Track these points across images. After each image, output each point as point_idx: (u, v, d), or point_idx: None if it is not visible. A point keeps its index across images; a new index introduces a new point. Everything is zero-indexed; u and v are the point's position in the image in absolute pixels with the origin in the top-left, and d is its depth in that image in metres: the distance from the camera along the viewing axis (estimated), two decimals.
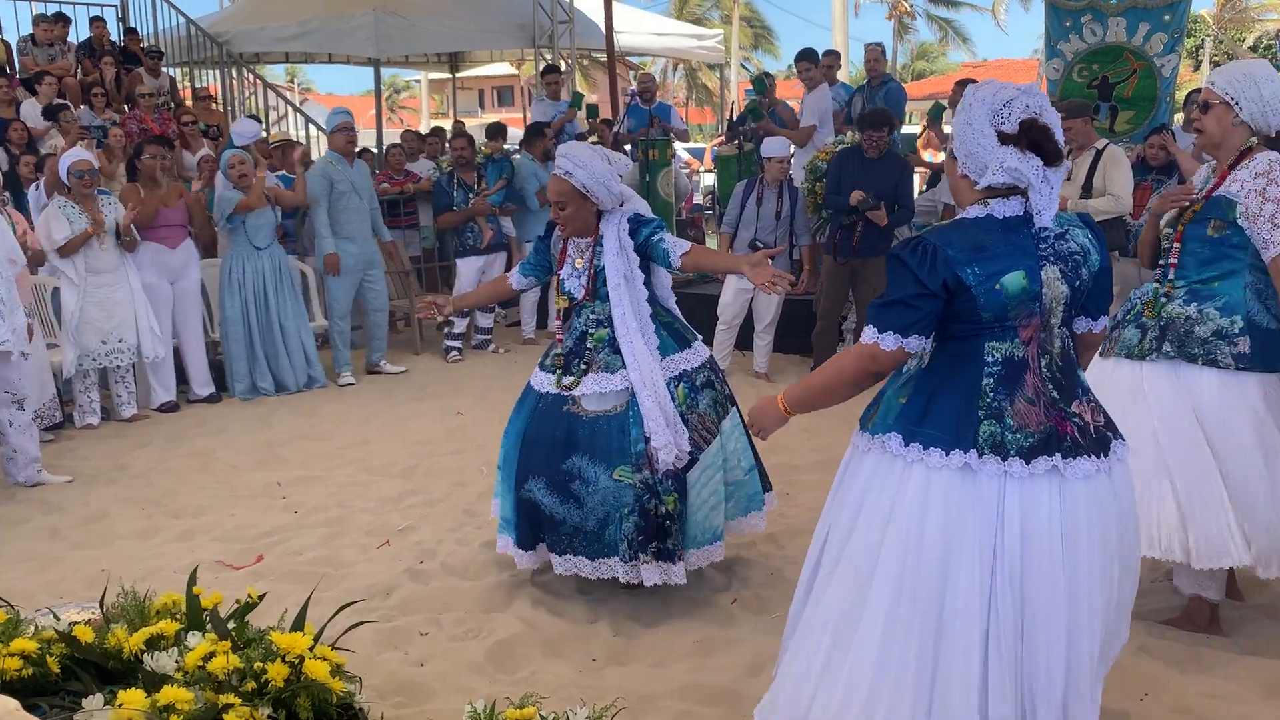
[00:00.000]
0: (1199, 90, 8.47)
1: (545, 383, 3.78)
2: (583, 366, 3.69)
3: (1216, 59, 33.35)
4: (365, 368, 7.73)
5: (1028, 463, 2.21)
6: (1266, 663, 3.22)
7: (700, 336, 3.92)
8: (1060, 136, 2.22)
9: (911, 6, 35.77)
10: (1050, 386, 2.29)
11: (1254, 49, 33.44)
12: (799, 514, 4.64)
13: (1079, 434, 2.28)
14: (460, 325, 8.21)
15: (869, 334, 2.29)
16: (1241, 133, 3.21)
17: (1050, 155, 2.20)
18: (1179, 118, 8.52)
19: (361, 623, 2.89)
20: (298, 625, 2.46)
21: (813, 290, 7.51)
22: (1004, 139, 2.20)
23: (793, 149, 7.61)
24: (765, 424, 2.52)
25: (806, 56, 8.72)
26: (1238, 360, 3.15)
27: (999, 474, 2.22)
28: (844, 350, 2.29)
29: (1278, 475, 3.14)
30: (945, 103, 8.94)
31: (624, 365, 3.62)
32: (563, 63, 11.94)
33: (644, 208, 3.84)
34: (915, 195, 7.86)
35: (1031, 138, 2.19)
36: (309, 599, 2.70)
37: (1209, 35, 33.12)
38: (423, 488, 5.18)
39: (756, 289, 6.93)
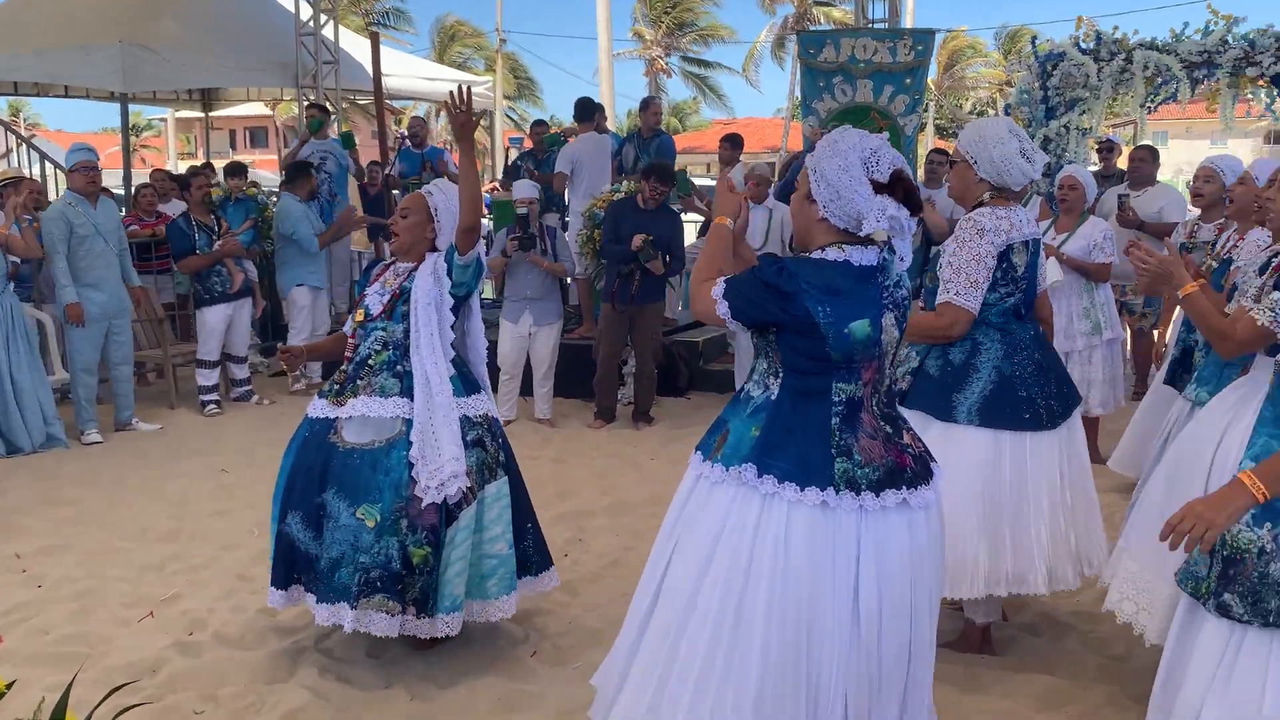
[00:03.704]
0: (937, 150, 9.20)
1: (319, 407, 3.62)
2: (357, 385, 3.55)
3: (939, 120, 36.78)
4: (114, 426, 7.10)
5: (878, 495, 2.31)
6: (1035, 677, 3.46)
7: (490, 392, 3.82)
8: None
9: (667, 64, 37.14)
10: (883, 422, 2.41)
11: (971, 112, 37.15)
12: (592, 560, 4.62)
13: (914, 463, 2.41)
14: (213, 377, 7.71)
15: (719, 289, 2.38)
16: (981, 187, 3.45)
17: (915, 207, 2.33)
18: (920, 173, 9.20)
19: (130, 706, 2.61)
20: (58, 714, 2.19)
21: (591, 336, 7.57)
22: (878, 188, 2.30)
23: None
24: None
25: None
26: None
27: (855, 509, 2.30)
28: (706, 285, 2.44)
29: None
30: (688, 173, 9.38)
31: (399, 392, 3.49)
32: (328, 104, 11.57)
33: None
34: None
35: (904, 188, 2.31)
36: (71, 683, 2.41)
37: (932, 99, 36.36)
38: (186, 552, 4.79)
39: (532, 335, 6.93)
